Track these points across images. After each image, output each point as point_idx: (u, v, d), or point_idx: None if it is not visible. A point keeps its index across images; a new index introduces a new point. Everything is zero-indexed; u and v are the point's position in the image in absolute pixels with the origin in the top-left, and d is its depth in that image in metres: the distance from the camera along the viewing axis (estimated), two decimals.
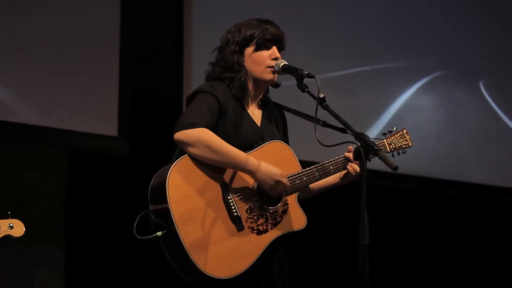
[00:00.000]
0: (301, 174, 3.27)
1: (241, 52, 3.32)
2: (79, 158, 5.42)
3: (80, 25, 5.27)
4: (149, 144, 5.44)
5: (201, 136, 3.11)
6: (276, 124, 3.44)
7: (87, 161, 5.42)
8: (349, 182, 3.41)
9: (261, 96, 3.41)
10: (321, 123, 3.30)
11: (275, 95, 3.50)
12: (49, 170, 5.41)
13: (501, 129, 6.75)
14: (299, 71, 3.24)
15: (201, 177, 3.13)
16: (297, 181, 3.25)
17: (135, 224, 3.06)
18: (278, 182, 3.15)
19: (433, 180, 6.41)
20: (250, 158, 3.14)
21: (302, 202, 3.31)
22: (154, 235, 3.06)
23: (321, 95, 3.16)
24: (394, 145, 3.51)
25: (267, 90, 3.45)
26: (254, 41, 3.31)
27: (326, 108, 3.17)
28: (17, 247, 4.77)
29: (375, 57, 6.32)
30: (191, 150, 3.12)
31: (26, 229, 3.47)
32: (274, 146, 3.29)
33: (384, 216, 5.83)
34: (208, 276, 3.05)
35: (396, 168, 2.89)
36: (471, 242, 6.72)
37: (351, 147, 3.31)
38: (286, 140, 3.46)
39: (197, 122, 3.14)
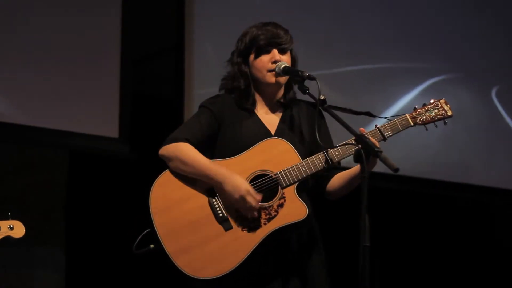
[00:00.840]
0: (299, 166, 3.24)
1: (245, 62, 3.36)
2: (79, 159, 5.42)
3: (81, 26, 5.26)
4: (150, 145, 5.42)
5: (175, 151, 3.24)
6: (301, 123, 3.41)
7: (87, 162, 5.42)
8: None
9: (279, 98, 3.41)
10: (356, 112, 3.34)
11: None
12: (50, 171, 5.40)
13: (504, 131, 6.73)
14: (299, 73, 3.25)
15: (184, 188, 3.23)
16: (294, 173, 3.22)
17: (136, 242, 3.20)
18: (242, 197, 3.15)
19: (434, 182, 6.40)
20: (221, 171, 3.19)
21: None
22: (147, 248, 3.19)
23: (322, 97, 3.16)
24: (423, 116, 3.35)
25: (289, 90, 3.43)
26: (254, 48, 3.33)
27: (327, 109, 3.18)
28: (17, 247, 4.77)
29: (379, 57, 6.31)
30: (169, 164, 3.26)
31: (26, 230, 3.47)
32: (270, 143, 3.28)
33: (385, 218, 5.83)
34: (195, 278, 3.12)
35: (397, 169, 2.89)
36: (472, 244, 6.72)
37: (363, 129, 3.27)
38: (313, 136, 3.33)
39: (178, 136, 3.27)
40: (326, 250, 3.38)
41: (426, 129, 3.38)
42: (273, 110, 3.41)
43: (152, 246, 3.17)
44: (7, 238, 3.42)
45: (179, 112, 5.43)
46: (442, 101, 3.42)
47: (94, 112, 5.26)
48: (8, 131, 5.11)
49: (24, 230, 3.44)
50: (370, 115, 3.41)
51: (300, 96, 3.38)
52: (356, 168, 3.24)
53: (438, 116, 3.38)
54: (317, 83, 3.15)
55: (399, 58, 6.42)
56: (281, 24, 3.41)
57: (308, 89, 3.22)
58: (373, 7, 6.36)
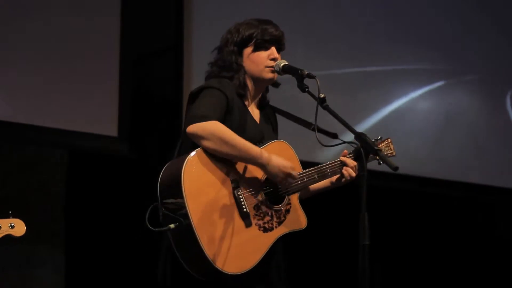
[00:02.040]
0: (303, 175, 3.29)
1: (240, 52, 3.33)
2: (79, 158, 5.43)
3: (80, 25, 5.27)
4: (149, 144, 5.44)
5: (214, 129, 3.10)
6: (272, 125, 3.46)
7: (87, 161, 5.42)
8: (338, 186, 3.44)
9: (259, 97, 3.43)
10: (311, 127, 3.31)
11: (275, 95, 3.51)
12: (49, 170, 5.41)
13: (507, 130, 6.74)
14: (299, 72, 3.25)
15: (215, 171, 3.12)
16: (299, 182, 3.27)
17: (147, 215, 3.02)
18: (288, 175, 3.17)
19: (434, 181, 6.40)
20: (263, 152, 3.16)
21: (303, 201, 3.33)
22: (167, 227, 3.01)
23: (322, 96, 3.16)
24: (383, 152, 3.49)
25: (267, 90, 3.46)
26: (253, 42, 3.32)
27: (326, 108, 3.17)
28: (17, 247, 4.78)
29: (381, 57, 6.33)
30: (205, 143, 3.10)
31: (26, 229, 3.47)
32: (278, 146, 3.30)
33: (384, 217, 5.84)
34: (219, 271, 3.03)
35: (396, 168, 2.90)
36: (473, 243, 6.72)
37: (346, 151, 3.38)
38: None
39: (209, 115, 3.13)
40: (326, 250, 3.40)
41: (379, 163, 3.35)
42: (256, 106, 3.43)
43: (172, 226, 3.00)
44: (8, 237, 3.42)
45: (178, 111, 5.43)
46: (389, 140, 3.63)
47: (93, 111, 5.26)
48: (8, 131, 5.12)
49: (25, 229, 3.43)
50: (335, 137, 3.40)
51: (299, 95, 3.39)
52: (325, 180, 3.40)
53: (389, 154, 3.58)
54: (317, 82, 3.16)
55: (400, 59, 6.43)
56: (281, 22, 3.42)
57: (307, 87, 3.23)
58: (374, 7, 6.38)
